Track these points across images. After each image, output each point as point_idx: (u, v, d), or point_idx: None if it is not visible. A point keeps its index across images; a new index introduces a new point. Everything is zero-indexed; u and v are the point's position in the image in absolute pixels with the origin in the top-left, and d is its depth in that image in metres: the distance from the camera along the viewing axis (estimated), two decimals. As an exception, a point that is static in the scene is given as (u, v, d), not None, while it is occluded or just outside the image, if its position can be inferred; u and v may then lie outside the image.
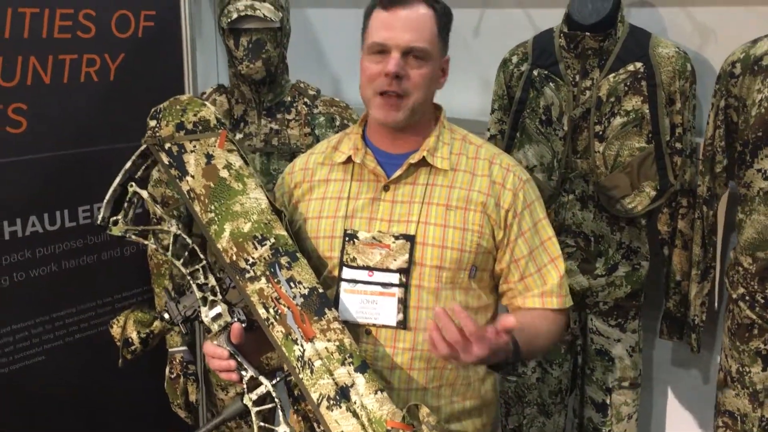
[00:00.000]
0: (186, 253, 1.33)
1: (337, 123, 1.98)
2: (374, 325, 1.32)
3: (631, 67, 1.80)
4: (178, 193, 1.36)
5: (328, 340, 1.22)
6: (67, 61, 2.02)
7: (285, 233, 1.31)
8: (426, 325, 1.30)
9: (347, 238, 1.34)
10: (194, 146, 1.34)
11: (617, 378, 1.97)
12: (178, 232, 1.34)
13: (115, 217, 1.35)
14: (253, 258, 1.28)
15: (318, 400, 1.19)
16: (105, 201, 1.35)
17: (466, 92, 2.30)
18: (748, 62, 1.63)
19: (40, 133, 1.99)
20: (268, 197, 1.34)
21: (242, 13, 1.83)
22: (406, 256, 1.31)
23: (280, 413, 1.22)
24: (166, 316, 1.35)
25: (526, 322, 1.30)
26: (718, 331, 1.95)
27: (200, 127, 1.35)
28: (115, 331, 1.48)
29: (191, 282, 1.32)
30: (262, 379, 1.24)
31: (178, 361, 1.99)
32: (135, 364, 1.58)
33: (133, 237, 1.36)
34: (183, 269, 1.32)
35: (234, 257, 1.28)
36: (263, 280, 1.26)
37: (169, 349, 2.00)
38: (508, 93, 1.97)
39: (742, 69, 1.64)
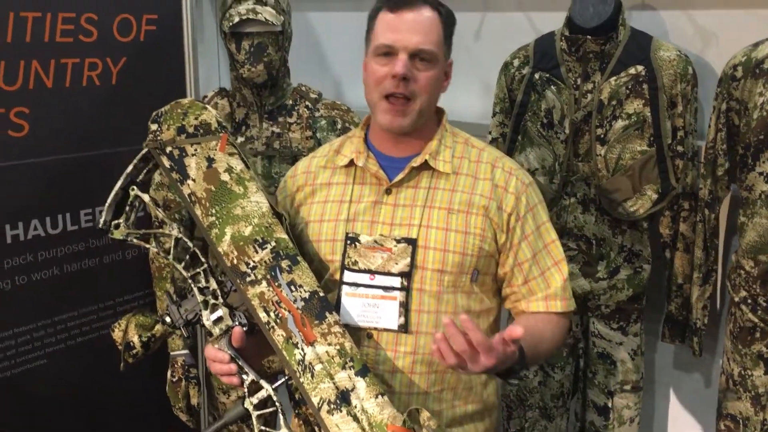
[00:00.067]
0: (187, 257, 1.33)
1: (339, 126, 1.97)
2: (375, 328, 1.31)
3: (632, 71, 1.79)
4: (180, 197, 1.35)
5: (329, 344, 1.21)
6: (69, 64, 2.02)
7: (286, 237, 1.30)
8: (428, 329, 1.30)
9: (349, 242, 1.33)
10: (195, 150, 1.34)
11: (619, 381, 1.96)
12: (180, 235, 1.34)
13: (116, 221, 1.35)
14: (253, 261, 1.27)
15: (319, 404, 1.18)
16: (107, 204, 1.35)
17: (468, 95, 2.30)
18: (750, 65, 1.63)
19: (42, 136, 2.00)
20: (269, 201, 1.34)
21: (244, 17, 1.83)
22: (408, 259, 1.30)
23: (281, 417, 1.22)
24: (168, 319, 1.35)
25: (531, 327, 1.29)
26: (720, 334, 1.94)
27: (201, 131, 1.35)
28: (117, 334, 1.48)
29: (192, 285, 1.32)
30: (263, 382, 1.24)
31: (179, 364, 1.99)
32: (136, 368, 1.59)
33: (135, 240, 1.36)
34: (184, 273, 1.32)
35: (235, 261, 1.28)
36: (264, 283, 1.26)
37: (171, 353, 2.00)
38: (510, 96, 1.97)
39: (744, 72, 1.64)
